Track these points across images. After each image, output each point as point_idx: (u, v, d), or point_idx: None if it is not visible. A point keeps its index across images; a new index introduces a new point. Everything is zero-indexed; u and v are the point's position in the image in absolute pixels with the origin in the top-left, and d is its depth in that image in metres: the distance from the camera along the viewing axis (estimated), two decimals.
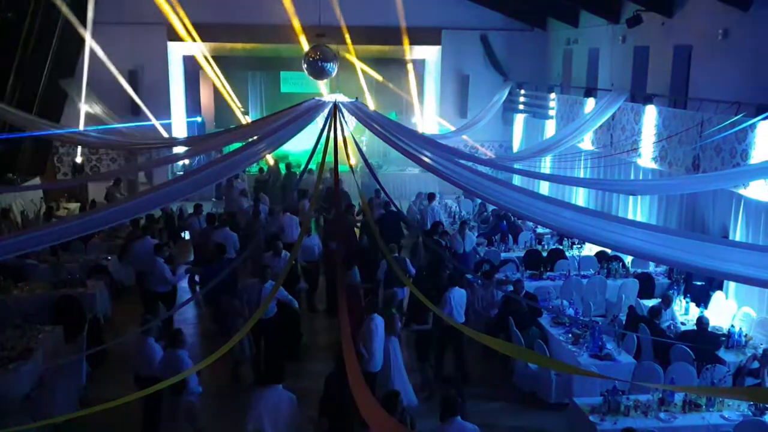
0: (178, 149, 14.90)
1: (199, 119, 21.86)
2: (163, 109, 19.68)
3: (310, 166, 17.24)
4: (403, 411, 6.95)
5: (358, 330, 8.53)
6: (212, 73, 19.88)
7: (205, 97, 22.69)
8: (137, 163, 18.89)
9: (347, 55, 19.23)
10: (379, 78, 20.88)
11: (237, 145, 9.17)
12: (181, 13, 18.26)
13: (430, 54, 21.56)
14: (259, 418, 6.48)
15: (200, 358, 7.99)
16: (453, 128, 19.88)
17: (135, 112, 19.08)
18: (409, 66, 21.54)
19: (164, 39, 19.69)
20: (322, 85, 19.58)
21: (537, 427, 8.78)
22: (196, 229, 13.56)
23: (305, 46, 14.84)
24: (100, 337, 10.06)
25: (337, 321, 10.13)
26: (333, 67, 15.80)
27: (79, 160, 19.64)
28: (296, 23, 18.37)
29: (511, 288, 10.65)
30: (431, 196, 15.57)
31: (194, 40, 18.85)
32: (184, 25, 18.45)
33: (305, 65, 15.78)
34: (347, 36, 19.14)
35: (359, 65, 20.45)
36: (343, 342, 6.09)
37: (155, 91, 19.47)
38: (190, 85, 21.72)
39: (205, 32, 19.14)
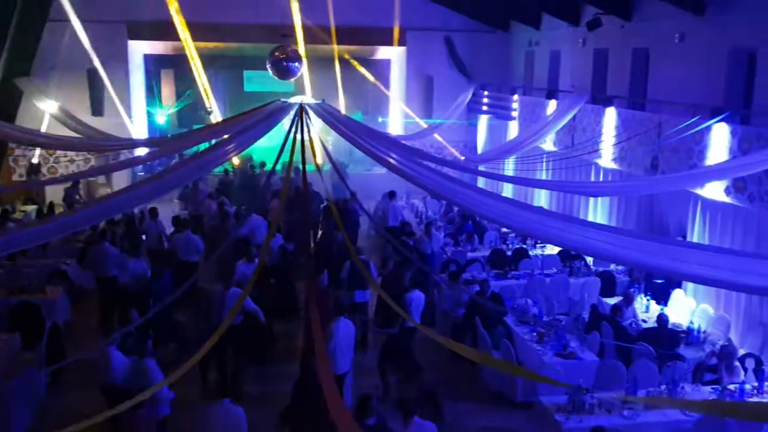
0: (140, 150, 14.67)
1: (164, 119, 21.55)
2: (124, 108, 19.32)
3: (266, 168, 17.15)
4: (379, 414, 6.96)
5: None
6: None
7: (167, 97, 22.39)
8: (98, 165, 18.53)
9: (307, 54, 19.11)
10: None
11: (203, 146, 9.05)
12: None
13: (394, 55, 21.61)
14: None
15: (168, 366, 7.89)
16: (424, 124, 19.95)
17: (96, 111, 18.69)
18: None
19: (125, 38, 19.36)
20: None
21: (505, 428, 8.87)
22: (153, 233, 13.35)
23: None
24: (60, 344, 9.83)
25: (304, 324, 10.15)
26: (298, 67, 15.75)
27: (35, 160, 19.17)
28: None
29: (477, 288, 10.75)
30: (392, 194, 15.64)
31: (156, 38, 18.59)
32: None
33: (270, 65, 15.70)
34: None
35: (317, 64, 20.32)
36: (317, 346, 6.08)
37: (115, 90, 19.10)
38: (151, 84, 21.39)
39: (166, 31, 18.87)
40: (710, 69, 12.04)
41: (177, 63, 21.53)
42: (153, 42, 20.28)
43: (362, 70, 21.03)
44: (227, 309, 8.61)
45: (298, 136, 8.16)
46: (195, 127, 21.29)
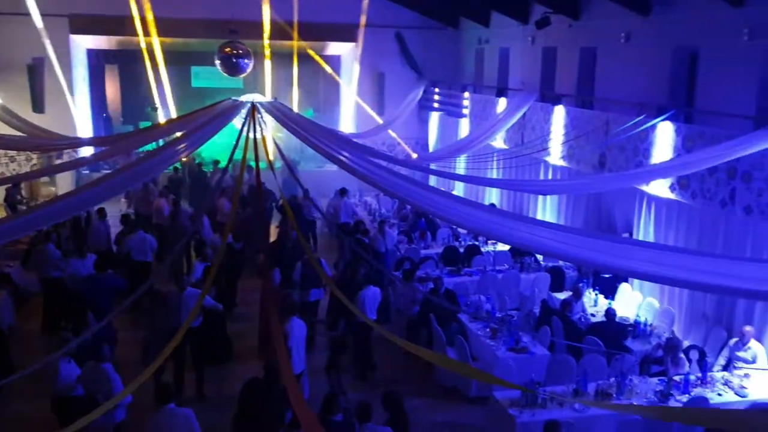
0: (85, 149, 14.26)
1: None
2: (66, 104, 18.76)
3: (221, 166, 16.94)
4: (347, 411, 6.97)
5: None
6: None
7: (111, 93, 21.81)
8: (42, 165, 17.93)
9: (258, 50, 18.88)
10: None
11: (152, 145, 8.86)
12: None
13: (345, 51, 21.54)
14: None
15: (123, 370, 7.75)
16: (380, 119, 19.94)
17: (37, 108, 18.07)
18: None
19: (66, 31, 18.79)
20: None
21: (460, 423, 8.95)
22: (102, 233, 13.02)
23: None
24: (5, 349, 9.52)
25: (260, 324, 10.07)
26: (247, 64, 15.61)
27: None
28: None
29: (431, 285, 10.83)
30: (343, 192, 15.68)
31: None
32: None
33: (219, 61, 15.52)
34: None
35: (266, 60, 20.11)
36: (277, 347, 6.05)
37: (58, 86, 18.52)
38: (94, 80, 20.81)
39: (111, 25, 18.41)
40: (655, 68, 12.38)
41: (122, 58, 21.01)
42: (96, 37, 19.73)
43: (314, 65, 20.88)
44: (186, 310, 8.49)
45: (251, 135, 8.09)
46: (141, 124, 20.88)
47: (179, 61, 21.67)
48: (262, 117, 8.63)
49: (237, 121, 8.89)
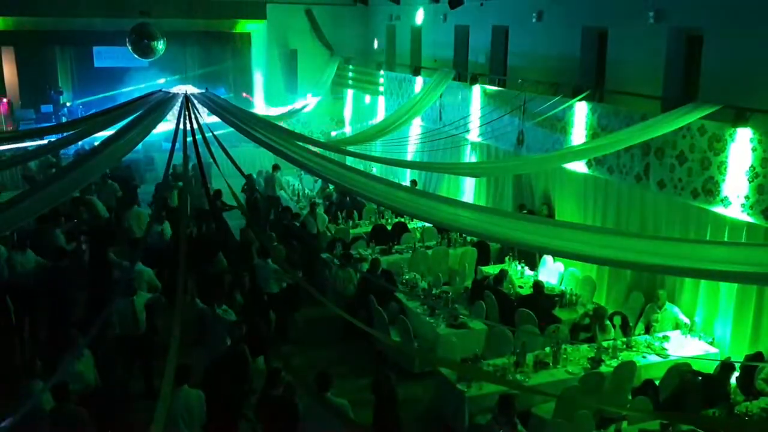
0: None
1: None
2: None
3: None
4: (289, 386, 7.31)
5: None
6: None
7: (8, 75, 20.44)
8: None
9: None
10: None
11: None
12: None
13: (255, 28, 21.17)
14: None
15: None
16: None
17: None
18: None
19: None
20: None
21: (407, 399, 9.27)
22: None
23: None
24: None
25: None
26: (161, 47, 15.17)
27: None
28: None
29: (366, 266, 11.08)
30: (276, 167, 15.70)
31: None
32: None
33: (130, 45, 15.00)
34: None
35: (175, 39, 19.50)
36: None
37: None
38: None
39: (4, 4, 17.29)
40: (568, 48, 12.96)
41: (18, 39, 19.76)
42: None
43: (223, 44, 20.44)
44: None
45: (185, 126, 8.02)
46: (42, 107, 19.86)
47: (80, 41, 20.65)
48: (196, 108, 8.55)
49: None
